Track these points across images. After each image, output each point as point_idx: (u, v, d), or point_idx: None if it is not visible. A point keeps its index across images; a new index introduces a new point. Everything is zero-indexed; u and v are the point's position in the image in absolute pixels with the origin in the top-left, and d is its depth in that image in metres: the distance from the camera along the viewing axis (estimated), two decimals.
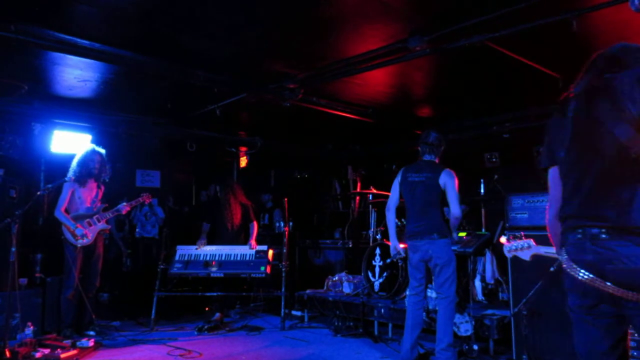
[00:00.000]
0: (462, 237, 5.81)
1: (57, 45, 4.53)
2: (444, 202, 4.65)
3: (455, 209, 4.58)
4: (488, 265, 5.85)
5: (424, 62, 5.14)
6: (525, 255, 3.08)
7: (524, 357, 4.57)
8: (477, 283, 5.92)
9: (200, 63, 5.24)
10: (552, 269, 4.40)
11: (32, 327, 5.22)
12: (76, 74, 5.46)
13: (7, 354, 4.70)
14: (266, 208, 9.66)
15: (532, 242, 3.03)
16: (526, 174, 7.50)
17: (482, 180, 7.24)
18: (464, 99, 6.64)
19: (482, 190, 7.17)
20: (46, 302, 5.99)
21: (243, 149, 8.77)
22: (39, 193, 5.63)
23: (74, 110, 6.70)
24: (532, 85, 5.87)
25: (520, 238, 3.10)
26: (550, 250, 2.90)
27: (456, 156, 7.74)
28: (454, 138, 7.71)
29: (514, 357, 4.70)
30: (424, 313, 4.95)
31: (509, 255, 3.17)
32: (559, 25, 4.02)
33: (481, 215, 6.76)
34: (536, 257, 3.06)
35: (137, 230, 8.20)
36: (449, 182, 4.60)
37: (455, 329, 4.80)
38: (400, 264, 5.96)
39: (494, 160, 7.77)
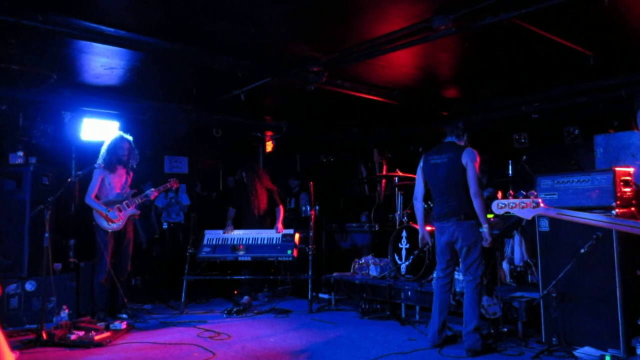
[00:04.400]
0: (489, 219, 5.74)
1: (84, 33, 4.61)
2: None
3: (473, 186, 4.51)
4: (517, 247, 5.77)
5: (449, 41, 5.04)
6: (525, 214, 2.91)
7: (554, 339, 4.51)
8: (505, 265, 5.84)
9: (225, 48, 5.25)
10: (582, 250, 4.33)
11: (67, 311, 5.39)
12: (103, 61, 5.53)
13: (44, 335, 4.87)
14: (292, 192, 9.70)
15: (539, 202, 2.88)
16: (556, 155, 7.38)
17: (510, 161, 7.13)
18: (492, 79, 6.51)
19: (510, 172, 7.05)
20: (80, 286, 6.17)
21: (269, 133, 8.80)
22: (69, 180, 5.77)
23: (102, 98, 6.81)
24: (562, 63, 5.72)
25: (528, 196, 2.95)
26: (568, 213, 2.75)
27: (484, 137, 7.64)
28: (482, 119, 7.59)
29: (543, 340, 4.65)
30: (451, 296, 4.93)
31: (498, 211, 2.99)
32: (589, 0, 3.90)
33: (509, 197, 6.65)
34: (539, 217, 2.95)
35: (163, 216, 8.33)
36: (470, 161, 4.54)
37: (483, 311, 4.77)
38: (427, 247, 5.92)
39: (522, 141, 7.63)
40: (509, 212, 2.93)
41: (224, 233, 6.92)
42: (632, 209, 4.52)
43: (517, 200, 2.91)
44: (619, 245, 4.26)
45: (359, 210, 9.32)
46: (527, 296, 5.05)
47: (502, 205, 2.95)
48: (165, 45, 4.99)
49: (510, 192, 3.06)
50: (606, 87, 6.19)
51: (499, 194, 3.11)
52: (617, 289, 4.24)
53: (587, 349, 4.34)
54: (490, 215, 5.89)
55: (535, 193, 3.01)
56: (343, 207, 10.01)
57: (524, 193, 3.02)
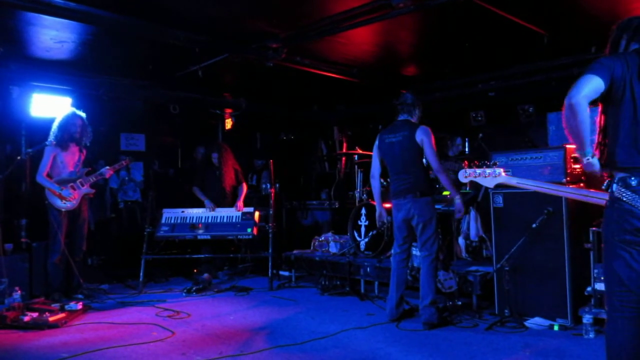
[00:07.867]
0: (446, 195, 5.85)
1: (31, 4, 4.40)
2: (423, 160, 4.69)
3: (434, 163, 4.61)
4: (472, 223, 5.91)
5: (408, 19, 5.05)
6: (489, 183, 3.07)
7: (506, 311, 4.68)
8: (461, 241, 5.99)
9: (180, 22, 5.11)
10: (534, 225, 4.48)
11: (20, 292, 5.23)
12: (52, 34, 5.30)
13: None
14: (256, 170, 9.64)
15: (501, 171, 3.02)
16: (511, 132, 7.54)
17: (467, 139, 7.25)
18: (450, 57, 6.56)
19: (467, 149, 7.19)
20: (33, 266, 5.99)
21: (228, 110, 8.65)
22: (19, 158, 5.57)
23: (53, 72, 6.54)
24: (518, 42, 5.81)
25: (490, 167, 3.09)
26: (529, 183, 2.87)
27: (442, 115, 7.74)
28: (440, 97, 7.67)
29: (497, 312, 4.82)
30: (408, 271, 5.03)
31: (464, 180, 3.15)
32: None
33: (474, 167, 6.79)
34: (501, 186, 3.10)
35: (119, 195, 8.13)
36: (426, 138, 4.61)
37: (440, 286, 4.89)
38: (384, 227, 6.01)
39: (479, 118, 7.75)
40: (474, 180, 3.08)
41: (209, 211, 6.86)
42: (581, 184, 4.69)
43: (480, 170, 3.05)
44: (569, 220, 4.42)
45: (319, 188, 9.35)
46: (481, 270, 5.21)
47: (467, 174, 3.09)
48: (118, 19, 4.81)
49: (475, 162, 3.17)
50: (559, 66, 6.33)
51: (465, 164, 3.22)
52: (566, 261, 4.41)
53: (537, 319, 4.52)
54: (446, 193, 6.02)
55: (498, 163, 3.15)
56: (304, 184, 10.02)
57: (488, 163, 3.15)
